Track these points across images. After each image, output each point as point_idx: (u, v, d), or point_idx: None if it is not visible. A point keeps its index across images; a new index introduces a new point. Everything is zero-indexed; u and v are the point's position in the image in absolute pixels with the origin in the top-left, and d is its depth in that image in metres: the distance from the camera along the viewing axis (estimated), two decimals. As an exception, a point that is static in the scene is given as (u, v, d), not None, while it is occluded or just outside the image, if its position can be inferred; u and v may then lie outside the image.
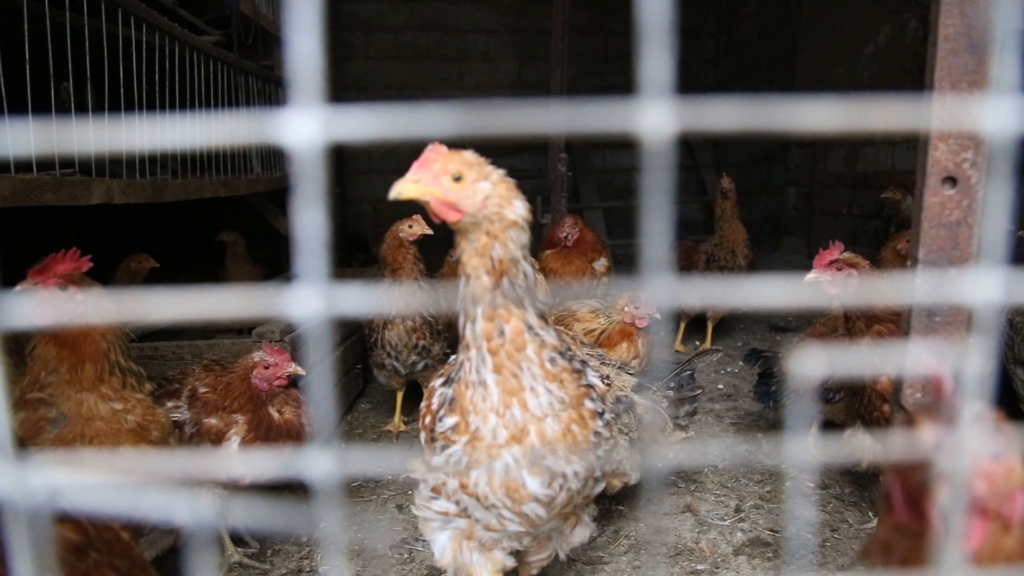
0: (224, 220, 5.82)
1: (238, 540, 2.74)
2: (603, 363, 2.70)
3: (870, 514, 2.88)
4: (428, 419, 1.86)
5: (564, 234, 4.85)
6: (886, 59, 6.39)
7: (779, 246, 8.18)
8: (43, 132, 0.91)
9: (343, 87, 7.92)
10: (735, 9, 8.71)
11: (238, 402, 2.52)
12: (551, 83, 5.61)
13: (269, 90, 5.15)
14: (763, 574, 2.53)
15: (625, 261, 7.01)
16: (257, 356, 2.55)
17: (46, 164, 2.43)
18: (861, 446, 2.68)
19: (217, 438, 2.49)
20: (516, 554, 2.04)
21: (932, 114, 1.77)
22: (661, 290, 0.74)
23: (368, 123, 0.66)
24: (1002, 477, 0.95)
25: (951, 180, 1.80)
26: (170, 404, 2.49)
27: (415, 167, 1.53)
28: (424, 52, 8.30)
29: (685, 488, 3.15)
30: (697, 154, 8.37)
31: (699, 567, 2.56)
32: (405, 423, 4.01)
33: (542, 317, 1.65)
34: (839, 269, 2.68)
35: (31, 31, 2.35)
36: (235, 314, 0.73)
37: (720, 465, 3.34)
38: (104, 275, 4.17)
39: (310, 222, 0.65)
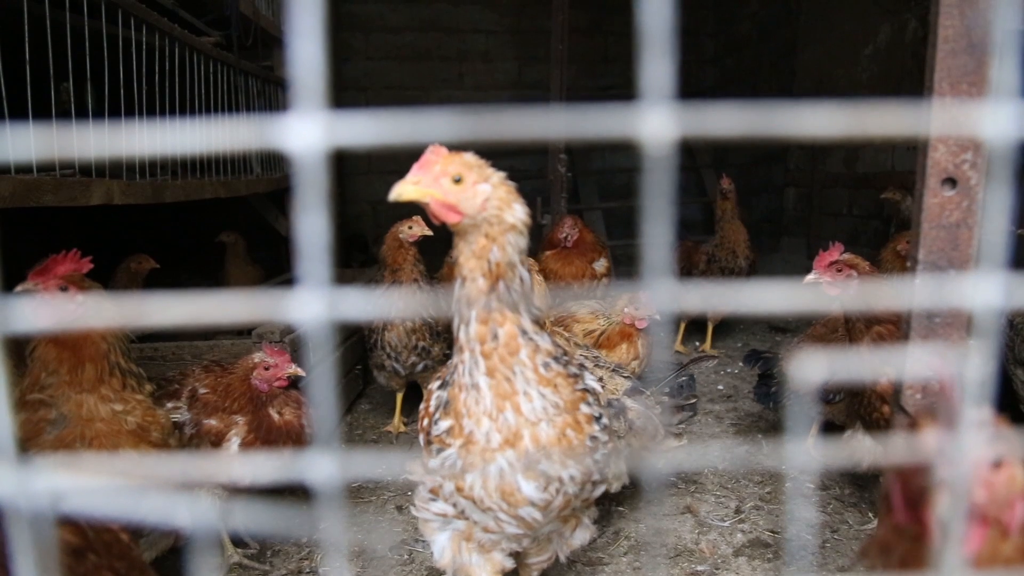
0: (224, 221, 5.82)
1: (238, 541, 2.74)
2: (597, 365, 2.69)
3: (870, 515, 2.88)
4: (426, 421, 1.87)
5: (564, 235, 4.85)
6: (886, 59, 6.39)
7: (779, 246, 8.18)
8: (43, 134, 0.91)
9: (343, 88, 7.93)
10: (735, 9, 8.71)
11: (238, 403, 2.52)
12: (551, 84, 5.61)
13: (269, 91, 5.16)
14: (763, 575, 2.53)
15: (625, 262, 7.01)
16: (257, 357, 2.55)
17: (46, 165, 2.43)
18: (861, 447, 2.68)
19: (217, 439, 2.49)
20: (516, 556, 2.04)
21: (931, 115, 1.77)
22: (661, 292, 0.74)
23: (370, 128, 0.66)
24: (1002, 485, 0.96)
25: (951, 181, 1.80)
26: (170, 405, 2.49)
27: (415, 169, 1.53)
28: (424, 53, 8.30)
29: (685, 489, 3.15)
30: (697, 155, 8.37)
31: (699, 568, 2.56)
32: (405, 424, 4.02)
33: (537, 322, 1.65)
34: (839, 270, 2.68)
35: (31, 32, 2.35)
36: (237, 318, 0.73)
37: (720, 466, 3.34)
38: (104, 276, 4.17)
39: (312, 227, 0.65)
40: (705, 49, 8.98)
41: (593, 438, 1.72)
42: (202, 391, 2.56)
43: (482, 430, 1.63)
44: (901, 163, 6.14)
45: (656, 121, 0.64)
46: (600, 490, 1.94)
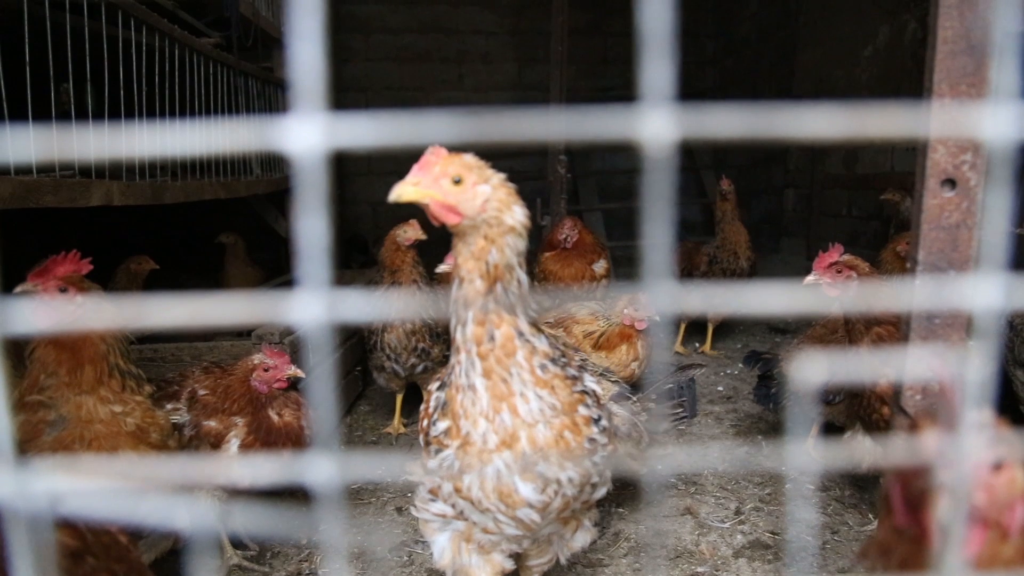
0: (224, 222, 5.82)
1: (237, 543, 2.74)
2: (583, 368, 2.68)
3: (870, 516, 2.88)
4: (425, 422, 1.87)
5: (563, 236, 4.85)
6: (885, 60, 6.40)
7: (779, 247, 8.19)
8: (43, 135, 0.91)
9: (343, 89, 7.93)
10: (734, 11, 8.72)
11: (237, 404, 2.52)
12: (550, 85, 5.62)
13: (269, 92, 5.16)
14: (763, 576, 2.53)
15: (625, 263, 7.01)
16: (257, 358, 2.55)
17: (46, 166, 2.43)
18: (861, 448, 2.68)
19: (216, 441, 2.49)
20: (516, 557, 2.04)
21: (931, 117, 1.78)
22: (661, 293, 0.74)
23: (370, 130, 0.66)
24: (1002, 487, 0.96)
25: (950, 182, 1.80)
26: (169, 406, 2.49)
27: (415, 170, 1.53)
28: (424, 54, 8.30)
29: (685, 490, 3.15)
30: (697, 156, 8.37)
31: (699, 570, 2.56)
32: (405, 425, 4.01)
33: (534, 325, 1.65)
34: (839, 271, 2.68)
35: (31, 33, 2.35)
36: (237, 319, 0.73)
37: (720, 467, 3.34)
38: (104, 277, 4.17)
39: (312, 228, 0.65)
40: (705, 50, 8.99)
41: (592, 440, 1.72)
42: (202, 392, 2.56)
43: (479, 431, 1.63)
44: (901, 164, 6.15)
45: (656, 122, 0.64)
46: (601, 492, 1.94)
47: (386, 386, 4.00)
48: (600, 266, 4.92)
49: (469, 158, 1.56)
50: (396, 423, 4.00)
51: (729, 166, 8.40)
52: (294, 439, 2.54)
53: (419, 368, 3.79)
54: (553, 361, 1.67)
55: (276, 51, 5.25)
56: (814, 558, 2.62)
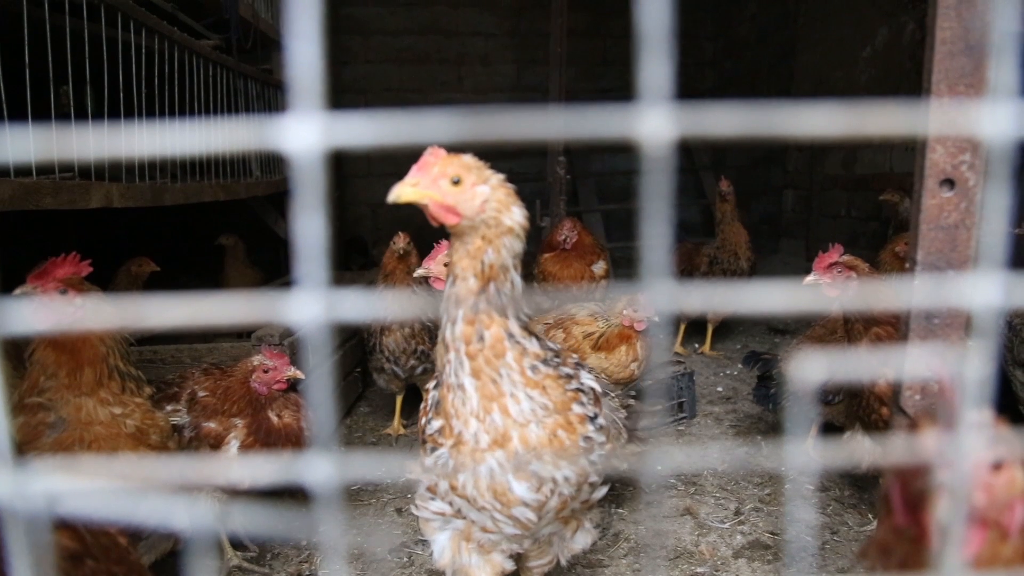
0: (223, 223, 5.82)
1: (237, 544, 2.74)
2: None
3: (870, 516, 2.88)
4: (423, 421, 1.88)
5: (563, 237, 4.85)
6: (884, 61, 6.40)
7: (778, 248, 8.19)
8: (43, 137, 0.91)
9: (342, 91, 7.93)
10: (733, 12, 8.72)
11: (237, 406, 2.52)
12: (550, 86, 5.62)
13: (268, 94, 5.16)
14: (763, 577, 2.53)
15: (624, 264, 7.01)
16: (256, 360, 2.55)
17: (46, 168, 2.43)
18: (860, 449, 2.68)
19: (216, 442, 2.49)
20: (517, 558, 2.04)
21: (929, 117, 1.78)
22: (661, 294, 0.74)
23: (368, 130, 0.66)
24: (1002, 486, 0.96)
25: (949, 182, 1.80)
26: (169, 408, 2.49)
27: (414, 170, 1.53)
28: (423, 56, 8.30)
29: (684, 491, 3.15)
30: (696, 157, 8.37)
31: (699, 570, 2.56)
32: (404, 426, 4.01)
33: (525, 328, 1.65)
34: (839, 272, 2.69)
35: (31, 35, 2.35)
36: (236, 320, 0.73)
37: (720, 468, 3.34)
38: (104, 279, 4.17)
39: (310, 228, 0.65)
40: (704, 52, 8.99)
41: (587, 438, 1.72)
42: (201, 394, 2.56)
43: (470, 431, 1.64)
44: (899, 165, 6.15)
45: (655, 121, 0.65)
46: (601, 492, 1.93)
47: (386, 387, 4.00)
48: (599, 267, 4.92)
49: (468, 159, 1.56)
50: (396, 424, 4.00)
51: (728, 167, 8.39)
52: (294, 440, 2.54)
53: (418, 370, 3.79)
54: (545, 362, 1.67)
55: (275, 53, 5.26)
56: (814, 558, 2.62)
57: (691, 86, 8.68)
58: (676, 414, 4.00)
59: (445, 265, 2.93)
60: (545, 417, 1.64)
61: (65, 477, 1.00)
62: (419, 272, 3.10)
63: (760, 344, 5.48)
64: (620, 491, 3.13)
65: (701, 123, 0.67)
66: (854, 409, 2.79)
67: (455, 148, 1.54)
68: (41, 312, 1.94)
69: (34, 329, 1.92)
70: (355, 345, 4.30)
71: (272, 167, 5.21)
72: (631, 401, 2.83)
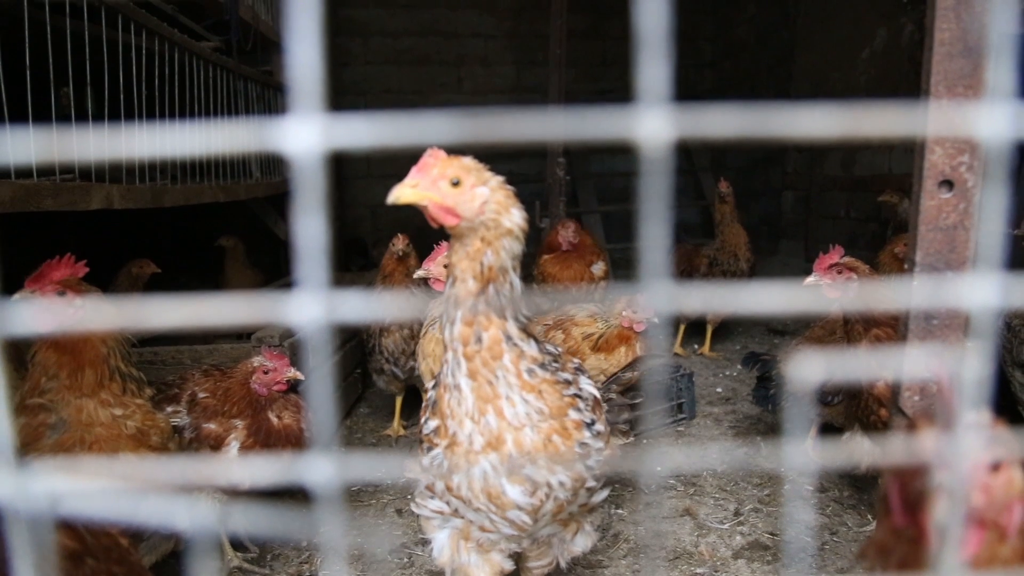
0: (223, 225, 5.82)
1: (238, 545, 2.74)
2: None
3: (869, 517, 2.88)
4: (422, 420, 1.89)
5: (567, 238, 4.84)
6: (882, 63, 6.41)
7: (777, 249, 8.19)
8: (43, 138, 0.92)
9: (342, 92, 7.93)
10: (732, 14, 8.73)
11: (237, 407, 2.52)
12: (549, 88, 5.62)
13: (268, 95, 5.16)
14: (762, 578, 2.53)
15: (624, 265, 7.01)
16: (256, 361, 2.55)
17: (46, 169, 2.43)
18: (860, 449, 2.68)
19: (216, 443, 2.49)
20: (517, 558, 2.04)
21: (928, 118, 1.78)
22: (660, 295, 0.75)
23: (367, 131, 0.67)
24: (1000, 488, 0.96)
25: (948, 184, 1.80)
26: (170, 409, 2.49)
27: (413, 172, 1.53)
28: (422, 57, 8.31)
29: (684, 492, 3.15)
30: (695, 158, 8.38)
31: (698, 571, 2.56)
32: (404, 427, 4.01)
33: (524, 330, 1.65)
34: (839, 273, 2.69)
35: (32, 37, 2.35)
36: (236, 321, 0.74)
37: (719, 468, 3.34)
38: (105, 281, 4.18)
39: (310, 230, 0.65)
40: (703, 53, 9.00)
41: (583, 444, 1.71)
42: (201, 395, 2.56)
43: (465, 432, 1.64)
44: (898, 166, 6.16)
45: (653, 123, 0.65)
46: (601, 496, 1.93)
47: (386, 388, 4.01)
48: (599, 268, 4.93)
49: (468, 160, 1.57)
50: (396, 425, 4.00)
51: (727, 168, 8.40)
52: (294, 441, 2.54)
53: (418, 371, 3.79)
54: (542, 366, 1.67)
55: (275, 55, 5.26)
56: (813, 559, 2.62)
57: (690, 87, 8.69)
58: (675, 415, 4.01)
59: (445, 267, 2.93)
60: (540, 422, 1.64)
61: (66, 478, 1.00)
62: (419, 273, 3.11)
63: (759, 345, 5.48)
64: (620, 492, 3.13)
65: (700, 125, 0.68)
66: (853, 410, 2.79)
67: (455, 150, 1.54)
68: (42, 315, 1.94)
69: (35, 332, 1.92)
70: (355, 346, 4.31)
71: (272, 168, 5.22)
72: (612, 395, 2.83)
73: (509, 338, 1.61)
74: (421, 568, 2.60)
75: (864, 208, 6.61)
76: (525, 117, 0.69)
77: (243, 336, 3.65)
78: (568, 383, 1.75)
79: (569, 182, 6.32)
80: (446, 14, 8.30)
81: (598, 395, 1.91)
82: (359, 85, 8.18)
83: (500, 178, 1.60)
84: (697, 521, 2.90)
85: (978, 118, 0.73)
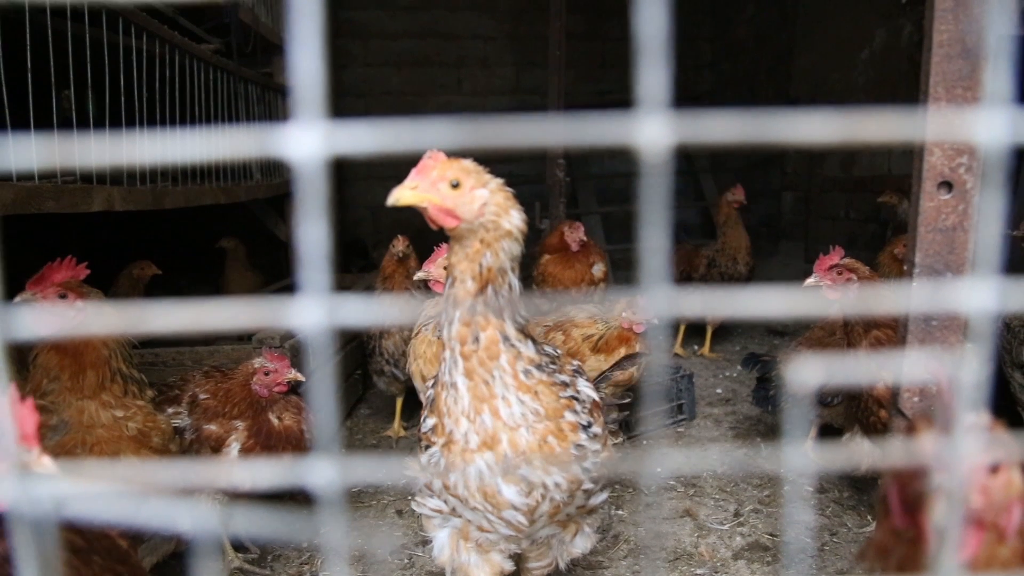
0: (224, 227, 5.83)
1: (239, 546, 2.74)
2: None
3: (868, 518, 2.88)
4: (421, 419, 1.90)
5: (576, 239, 4.83)
6: (881, 64, 6.42)
7: (777, 250, 8.20)
8: (45, 141, 0.92)
9: (342, 94, 7.94)
10: (731, 15, 8.74)
11: (238, 408, 2.53)
12: (549, 89, 5.63)
13: (268, 97, 5.17)
14: (763, 579, 2.53)
15: (624, 266, 7.02)
16: (257, 362, 2.55)
17: (48, 172, 2.44)
18: (859, 450, 2.69)
19: (217, 444, 2.49)
20: (517, 558, 2.04)
21: (927, 120, 1.79)
22: (659, 297, 0.75)
23: (369, 137, 0.67)
24: (999, 490, 0.96)
25: (947, 185, 1.81)
26: (171, 410, 2.49)
27: (413, 174, 1.54)
28: (422, 59, 8.31)
29: (684, 493, 3.15)
30: (694, 159, 8.39)
31: (698, 571, 2.56)
32: (405, 428, 4.02)
33: (522, 331, 1.66)
34: (839, 274, 2.69)
35: (33, 40, 2.36)
36: (239, 324, 0.74)
37: (719, 469, 3.34)
38: (106, 283, 4.18)
39: (313, 235, 0.66)
40: (702, 54, 9.00)
41: (579, 446, 1.72)
42: (202, 396, 2.56)
43: (461, 430, 1.65)
44: (898, 167, 6.16)
45: (653, 129, 0.65)
46: (600, 498, 1.93)
47: (386, 390, 4.01)
48: (599, 269, 4.93)
49: (467, 163, 1.58)
50: (396, 426, 4.01)
51: (727, 169, 8.41)
52: (294, 443, 2.54)
53: (408, 370, 3.79)
54: (539, 367, 1.68)
55: (275, 57, 5.27)
56: (813, 560, 2.63)
57: (689, 88, 8.69)
58: (676, 416, 4.01)
59: (445, 268, 2.94)
60: (536, 423, 1.65)
61: (68, 480, 1.00)
62: (419, 275, 3.12)
63: (759, 346, 5.48)
64: (620, 493, 3.13)
65: (699, 130, 0.68)
66: (853, 411, 2.79)
67: (455, 153, 1.55)
68: (42, 317, 1.94)
69: (36, 334, 1.92)
70: (355, 348, 4.31)
71: (272, 170, 5.22)
72: (601, 395, 2.83)
73: (506, 339, 1.62)
74: (421, 569, 2.61)
75: (864, 209, 6.62)
76: (526, 122, 0.69)
77: (244, 337, 3.65)
78: (565, 385, 1.75)
79: (569, 183, 6.33)
80: (445, 16, 8.31)
81: (597, 398, 1.91)
82: (359, 87, 8.18)
83: (499, 180, 1.61)
84: (697, 522, 2.91)
85: (977, 120, 0.73)
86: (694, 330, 5.45)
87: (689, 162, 8.40)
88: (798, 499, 2.93)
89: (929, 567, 0.97)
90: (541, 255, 4.97)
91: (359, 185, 8.21)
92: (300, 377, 2.56)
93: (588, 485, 1.81)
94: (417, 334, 3.17)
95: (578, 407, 1.75)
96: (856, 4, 6.66)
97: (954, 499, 0.90)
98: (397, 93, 8.31)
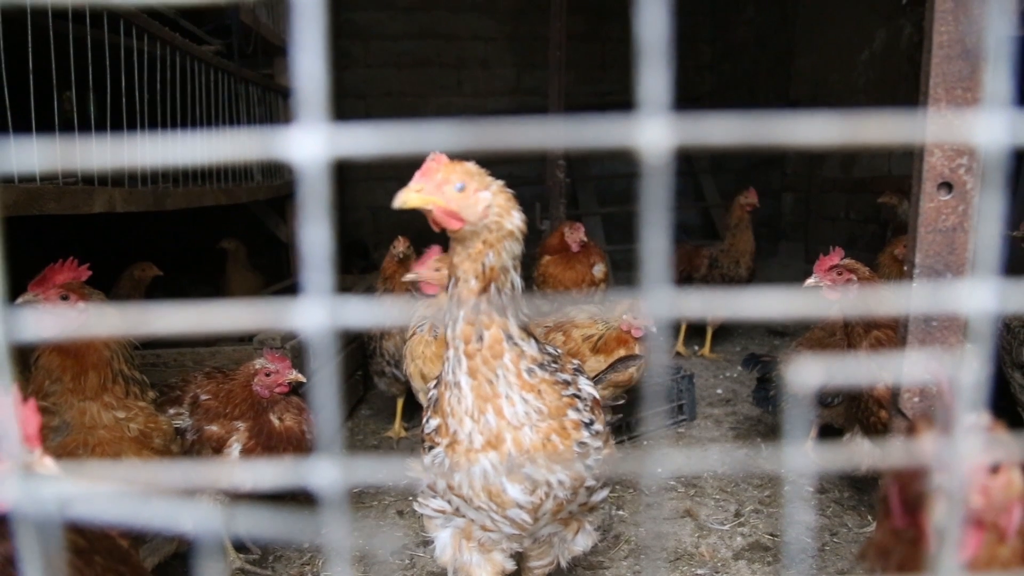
0: (225, 227, 5.83)
1: (240, 546, 2.75)
2: None
3: (869, 518, 2.89)
4: (424, 419, 1.91)
5: (576, 239, 4.83)
6: (881, 65, 6.42)
7: (777, 251, 8.20)
8: (46, 143, 0.93)
9: (342, 95, 7.94)
10: (731, 16, 8.74)
11: (239, 409, 2.53)
12: (549, 90, 5.63)
13: (269, 99, 5.17)
14: (763, 579, 2.53)
15: (624, 267, 7.02)
16: (259, 363, 2.56)
17: (49, 174, 2.44)
18: (860, 451, 2.69)
19: (218, 445, 2.50)
20: (518, 557, 2.05)
21: (927, 121, 1.79)
22: (659, 299, 0.75)
23: (371, 139, 0.67)
24: (999, 490, 0.96)
25: (947, 186, 1.81)
26: (172, 411, 2.50)
27: (418, 176, 1.55)
28: (423, 60, 8.32)
29: (685, 493, 3.16)
30: (694, 160, 8.39)
31: (699, 572, 2.56)
32: (406, 429, 4.02)
33: (524, 329, 1.68)
34: (839, 275, 2.70)
35: (34, 41, 2.36)
36: (240, 326, 0.74)
37: (719, 470, 3.34)
38: (107, 284, 4.18)
39: (315, 237, 0.66)
40: (702, 55, 9.01)
41: (582, 444, 1.73)
42: (204, 397, 2.57)
43: (465, 430, 1.66)
44: (898, 167, 6.16)
45: (653, 131, 0.66)
46: (601, 495, 1.94)
47: (387, 391, 4.01)
48: (599, 270, 4.93)
49: (470, 165, 1.59)
50: (397, 427, 4.01)
51: (727, 170, 8.41)
52: (295, 444, 2.55)
53: (407, 372, 3.79)
54: (541, 366, 1.69)
55: (276, 58, 5.27)
56: (813, 560, 2.63)
57: (689, 89, 8.69)
58: (676, 416, 4.01)
59: (436, 270, 2.94)
60: (539, 421, 1.66)
61: (70, 481, 1.00)
62: (409, 277, 3.11)
63: (759, 346, 5.49)
64: (621, 493, 3.14)
65: (700, 132, 0.69)
66: (853, 412, 2.80)
67: (456, 154, 1.55)
68: (44, 318, 1.95)
69: (39, 335, 1.93)
70: (356, 348, 4.32)
71: (273, 172, 5.22)
72: None
73: (510, 337, 1.64)
74: (422, 569, 2.61)
75: (864, 210, 6.62)
76: (528, 124, 0.70)
77: (245, 338, 3.66)
78: (567, 384, 1.77)
79: (569, 184, 6.33)
80: (446, 17, 8.31)
81: (597, 396, 1.93)
82: (359, 88, 8.19)
83: (500, 182, 1.63)
84: (698, 522, 2.91)
85: (977, 120, 0.73)
86: (694, 331, 5.45)
87: (689, 163, 8.40)
88: (798, 499, 2.94)
89: (929, 567, 0.98)
90: (541, 256, 4.97)
91: (360, 186, 8.21)
92: (301, 378, 2.56)
93: (590, 482, 1.83)
94: (412, 335, 3.17)
95: (580, 405, 1.76)
96: (856, 5, 6.67)
97: (954, 499, 0.91)
98: (397, 94, 8.31)
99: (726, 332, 5.76)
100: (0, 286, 0.69)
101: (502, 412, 1.63)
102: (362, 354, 4.25)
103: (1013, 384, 2.91)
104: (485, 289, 1.60)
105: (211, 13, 4.33)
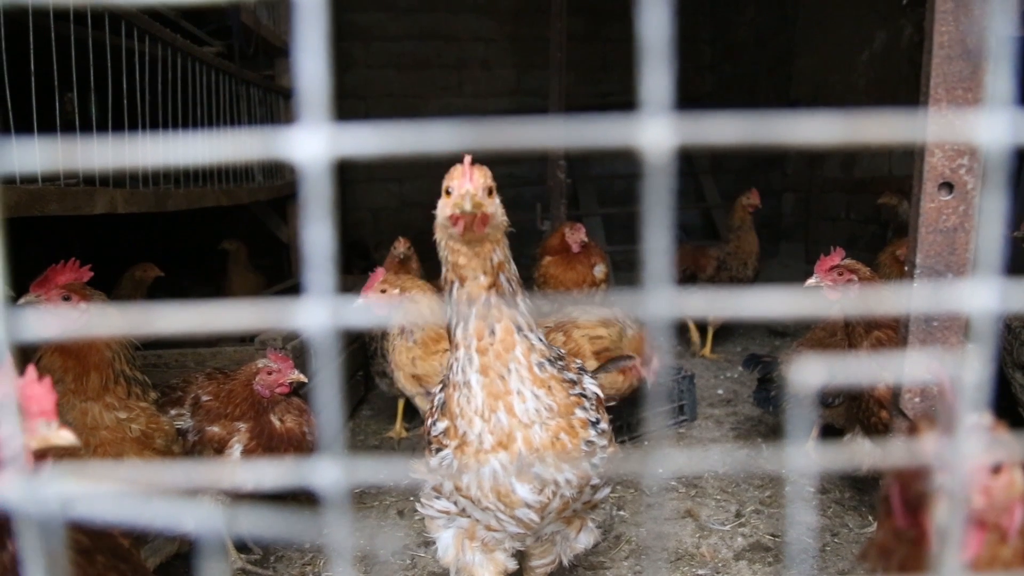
0: (226, 228, 5.83)
1: (241, 547, 2.75)
2: None
3: (870, 518, 2.89)
4: (428, 421, 1.92)
5: (577, 240, 4.83)
6: (882, 65, 6.42)
7: (777, 251, 8.20)
8: (48, 144, 0.93)
9: (343, 96, 7.94)
10: (731, 16, 8.75)
11: (240, 409, 2.53)
12: (550, 91, 5.63)
13: (270, 100, 5.18)
14: (764, 579, 2.53)
15: (625, 267, 7.02)
16: (261, 362, 2.56)
17: (51, 175, 2.45)
18: (861, 451, 2.69)
19: (220, 446, 2.50)
20: (520, 557, 2.05)
21: (928, 121, 1.79)
22: (661, 300, 0.75)
23: (373, 140, 0.68)
24: (1000, 490, 0.96)
25: (947, 186, 1.81)
26: (173, 412, 2.50)
27: (465, 181, 1.52)
28: (423, 61, 8.32)
29: (685, 493, 3.16)
30: (695, 161, 8.39)
31: (700, 572, 2.56)
32: (407, 429, 4.02)
33: (530, 323, 1.71)
34: (840, 275, 2.70)
35: (36, 43, 2.37)
36: (242, 326, 0.74)
37: (720, 470, 3.34)
38: (109, 284, 4.19)
39: (318, 237, 0.66)
40: (703, 55, 9.01)
41: (589, 442, 1.74)
42: (205, 398, 2.57)
43: (475, 431, 1.66)
44: (899, 167, 6.16)
45: (655, 131, 0.66)
46: (604, 493, 1.95)
47: (388, 391, 4.01)
48: (600, 270, 4.93)
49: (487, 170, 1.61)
50: (398, 427, 4.01)
51: (727, 170, 8.41)
52: (296, 445, 2.55)
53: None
54: (550, 361, 1.71)
55: (277, 59, 5.28)
56: (814, 560, 2.63)
57: (690, 90, 8.69)
58: (677, 416, 4.01)
59: (383, 291, 2.87)
60: (549, 419, 1.67)
61: (71, 481, 1.01)
62: (358, 303, 2.98)
63: (760, 346, 5.49)
64: (622, 493, 3.14)
65: (701, 132, 0.69)
66: (854, 412, 2.80)
67: (455, 155, 1.55)
68: (46, 319, 1.95)
69: (40, 337, 1.93)
70: (357, 349, 4.32)
71: (274, 172, 5.23)
72: None
73: (519, 329, 1.66)
74: (424, 570, 2.61)
75: (864, 210, 6.62)
76: (528, 124, 0.70)
77: (247, 339, 3.66)
78: (573, 383, 1.78)
79: (570, 185, 6.32)
80: (447, 18, 8.32)
81: (601, 394, 1.93)
82: (360, 89, 8.19)
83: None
84: (699, 522, 2.91)
85: (977, 121, 0.74)
86: (696, 329, 5.45)
87: (690, 163, 8.40)
88: (799, 500, 2.93)
89: (931, 567, 0.98)
90: (542, 256, 4.97)
91: (361, 187, 8.22)
92: (303, 378, 2.56)
93: (595, 481, 1.84)
94: (394, 348, 3.13)
95: (586, 403, 1.78)
96: (856, 6, 6.67)
97: (956, 499, 0.91)
98: (398, 95, 8.32)
99: (727, 332, 5.76)
100: (1, 286, 0.69)
101: (513, 409, 1.64)
102: (363, 355, 4.25)
103: (1014, 384, 2.90)
104: (494, 283, 1.63)
105: (212, 14, 4.33)
